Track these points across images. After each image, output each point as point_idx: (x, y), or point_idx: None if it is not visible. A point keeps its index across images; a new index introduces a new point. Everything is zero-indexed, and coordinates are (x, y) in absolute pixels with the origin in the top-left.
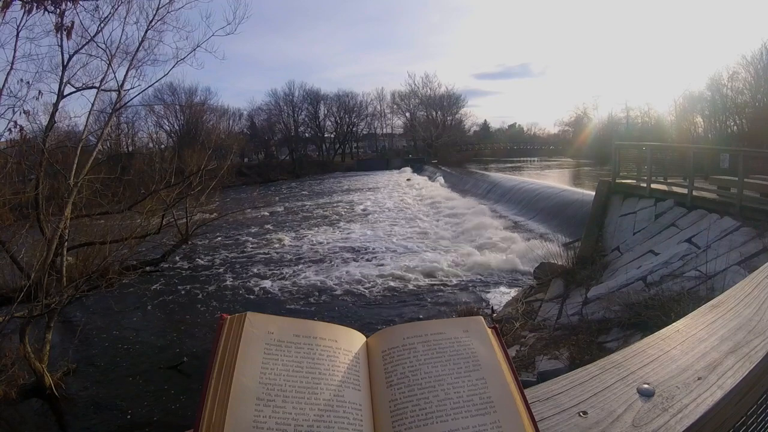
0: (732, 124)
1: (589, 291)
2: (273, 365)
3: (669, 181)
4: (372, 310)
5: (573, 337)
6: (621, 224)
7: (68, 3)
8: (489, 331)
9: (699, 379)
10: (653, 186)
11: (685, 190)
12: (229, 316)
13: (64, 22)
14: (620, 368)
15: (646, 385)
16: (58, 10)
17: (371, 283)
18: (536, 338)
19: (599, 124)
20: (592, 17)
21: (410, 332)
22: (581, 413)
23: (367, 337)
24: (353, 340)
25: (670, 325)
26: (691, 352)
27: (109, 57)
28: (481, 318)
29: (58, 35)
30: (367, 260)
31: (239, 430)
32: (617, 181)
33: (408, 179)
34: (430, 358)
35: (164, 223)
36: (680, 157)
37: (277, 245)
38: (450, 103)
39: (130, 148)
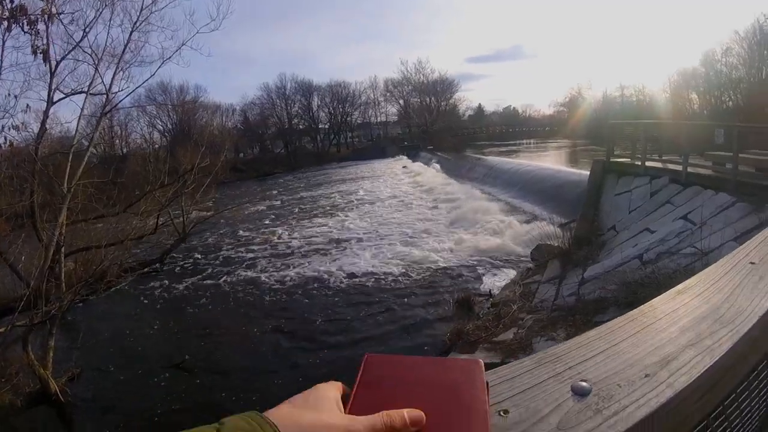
0: (727, 99)
1: (585, 271)
2: None
3: (664, 158)
4: (370, 299)
5: (570, 318)
6: (617, 203)
7: (43, 23)
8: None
9: (646, 376)
10: (648, 164)
11: (680, 167)
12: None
13: (41, 42)
14: (558, 362)
15: (582, 383)
16: (33, 29)
17: (369, 272)
18: (534, 320)
19: (594, 103)
20: None
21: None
22: (502, 412)
23: None
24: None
25: (625, 314)
26: (642, 345)
27: (96, 61)
28: (481, 362)
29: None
30: (365, 250)
31: None
32: (612, 160)
33: (404, 166)
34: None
35: (160, 222)
36: (675, 134)
37: (274, 239)
38: (443, 88)
39: (125, 150)
